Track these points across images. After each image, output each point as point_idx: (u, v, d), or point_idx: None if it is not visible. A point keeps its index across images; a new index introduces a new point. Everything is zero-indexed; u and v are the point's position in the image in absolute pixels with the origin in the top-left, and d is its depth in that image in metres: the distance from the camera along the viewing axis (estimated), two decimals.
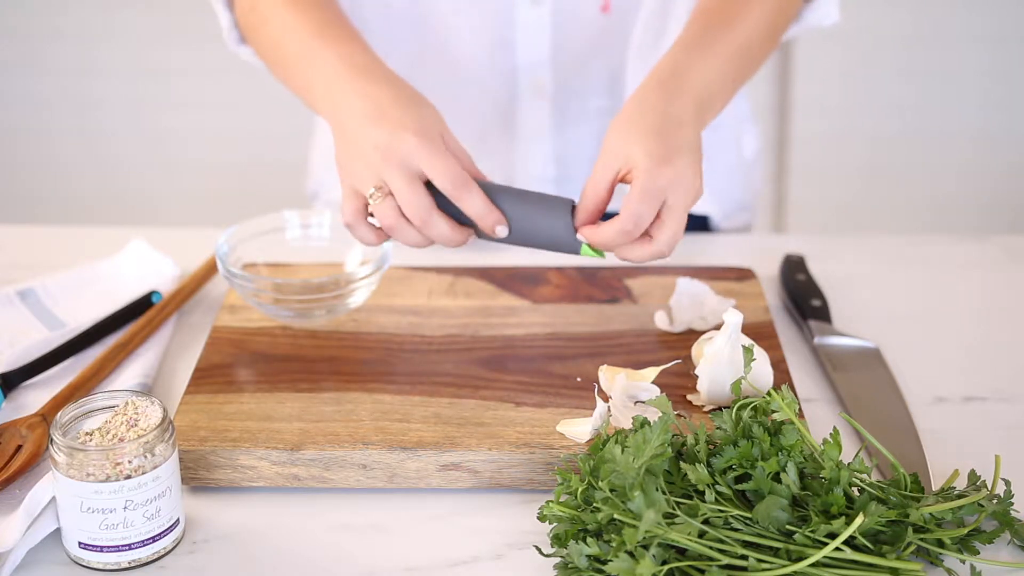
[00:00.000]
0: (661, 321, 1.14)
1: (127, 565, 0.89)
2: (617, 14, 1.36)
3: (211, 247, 1.29)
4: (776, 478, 0.88)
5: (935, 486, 0.95)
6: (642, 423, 0.90)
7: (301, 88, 1.16)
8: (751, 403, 0.93)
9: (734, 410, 0.92)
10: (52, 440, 0.87)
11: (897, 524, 0.87)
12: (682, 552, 0.84)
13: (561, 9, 1.35)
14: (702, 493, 0.88)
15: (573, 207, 1.05)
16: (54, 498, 0.90)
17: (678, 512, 0.85)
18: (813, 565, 0.82)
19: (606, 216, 1.07)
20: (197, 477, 0.97)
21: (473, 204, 1.04)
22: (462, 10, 1.35)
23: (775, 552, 0.84)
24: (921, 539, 0.86)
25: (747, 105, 1.52)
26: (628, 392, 1.01)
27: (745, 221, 1.55)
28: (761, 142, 1.56)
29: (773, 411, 0.92)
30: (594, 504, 0.87)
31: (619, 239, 1.02)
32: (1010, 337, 1.20)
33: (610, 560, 0.82)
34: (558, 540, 0.88)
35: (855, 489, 0.89)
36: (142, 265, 1.28)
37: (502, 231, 1.06)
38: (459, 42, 1.37)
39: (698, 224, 1.49)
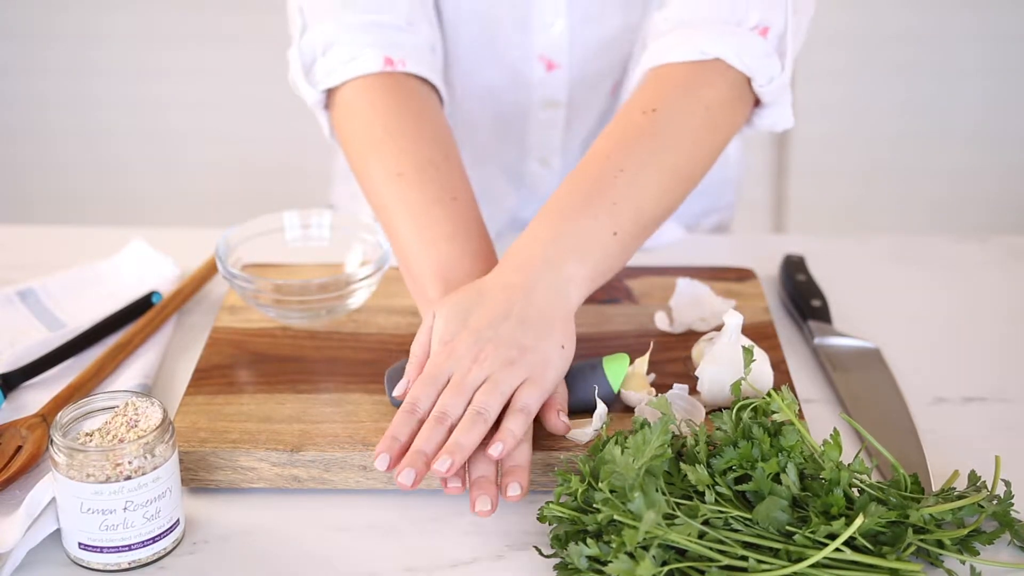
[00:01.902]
0: (661, 322, 1.14)
1: (127, 566, 0.89)
2: (620, 87, 1.35)
3: (211, 247, 1.29)
4: (776, 479, 0.88)
5: (935, 487, 0.95)
6: (642, 424, 0.90)
7: (409, 279, 1.08)
8: (751, 404, 0.93)
9: (734, 411, 0.92)
10: (52, 441, 0.87)
11: (897, 525, 0.87)
12: (682, 553, 0.84)
13: (575, 108, 1.34)
14: (702, 494, 0.88)
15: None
16: (54, 499, 0.90)
17: (678, 513, 0.85)
18: (813, 566, 0.82)
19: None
20: (197, 478, 0.97)
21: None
22: (478, 104, 1.34)
23: (775, 553, 0.84)
24: (921, 540, 0.86)
25: None
26: (630, 401, 1.00)
27: (718, 221, 1.53)
28: (741, 141, 1.53)
29: (773, 412, 0.92)
30: (594, 505, 0.87)
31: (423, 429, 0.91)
32: (1010, 337, 1.20)
33: (610, 561, 0.82)
34: (558, 541, 0.88)
35: (855, 490, 0.89)
36: (142, 265, 1.28)
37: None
38: (473, 124, 1.36)
39: None
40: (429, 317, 0.99)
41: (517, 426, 0.91)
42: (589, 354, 1.09)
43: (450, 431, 0.90)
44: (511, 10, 1.27)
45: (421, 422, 0.91)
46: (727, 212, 1.54)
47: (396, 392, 0.96)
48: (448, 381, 0.93)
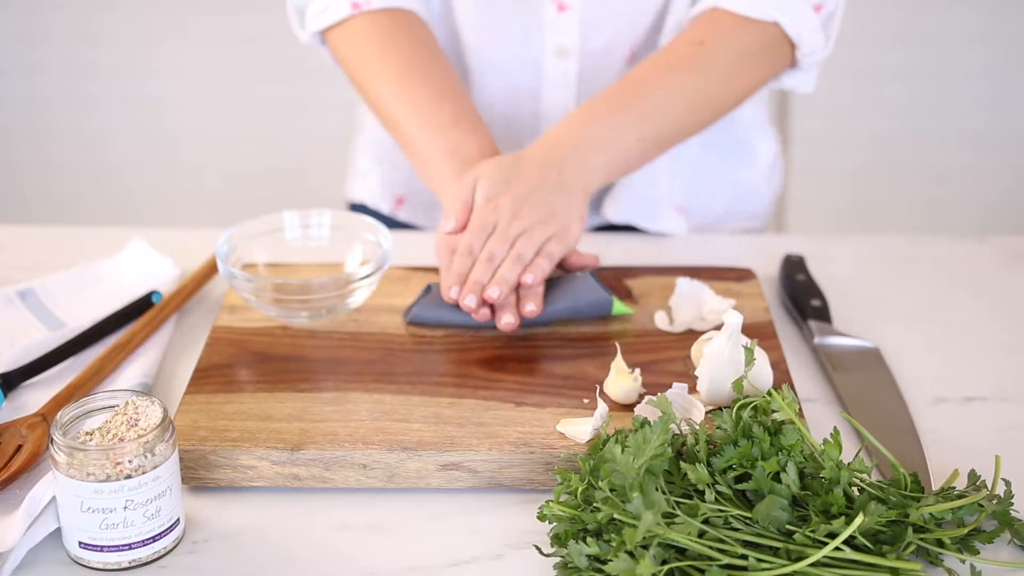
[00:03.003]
0: (661, 321, 1.14)
1: (127, 565, 0.89)
2: (640, 59, 1.36)
3: (211, 247, 1.29)
4: (776, 478, 0.88)
5: (935, 486, 0.95)
6: (642, 423, 0.90)
7: (420, 164, 1.24)
8: (751, 403, 0.93)
9: (734, 410, 0.92)
10: (52, 440, 0.87)
11: (897, 524, 0.87)
12: (682, 552, 0.84)
13: (588, 63, 1.35)
14: (702, 493, 0.88)
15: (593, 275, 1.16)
16: (54, 498, 0.90)
17: (678, 512, 0.85)
18: (813, 565, 0.82)
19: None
20: (197, 477, 0.97)
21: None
22: (490, 57, 1.36)
23: (775, 552, 0.84)
24: (921, 539, 0.86)
25: (762, 110, 1.48)
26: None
27: (747, 228, 1.53)
28: (778, 146, 1.52)
29: (773, 411, 0.92)
30: (594, 504, 0.87)
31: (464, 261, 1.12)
32: (1010, 337, 1.20)
33: (610, 560, 0.82)
34: (558, 540, 0.88)
35: (855, 489, 0.89)
36: (142, 265, 1.28)
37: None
38: (484, 86, 1.38)
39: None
40: (473, 174, 1.16)
41: (545, 263, 1.12)
42: (590, 354, 1.09)
43: (496, 267, 1.11)
44: None
45: (476, 261, 1.12)
46: (759, 221, 1.52)
47: (447, 228, 1.15)
48: (493, 229, 1.12)
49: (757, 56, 1.24)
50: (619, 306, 1.14)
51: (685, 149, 1.39)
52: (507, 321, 1.11)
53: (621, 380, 1.02)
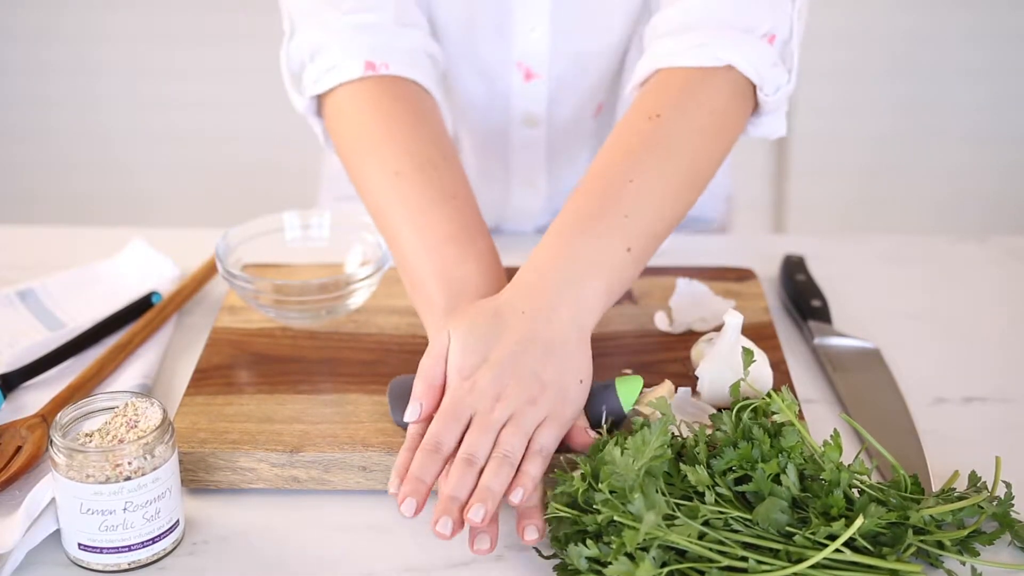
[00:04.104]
0: (661, 322, 1.14)
1: (127, 566, 0.89)
2: (607, 110, 1.34)
3: (211, 247, 1.29)
4: (776, 480, 0.88)
5: (935, 487, 0.95)
6: (641, 424, 0.90)
7: (409, 283, 1.05)
8: (751, 404, 0.93)
9: (734, 411, 0.92)
10: (52, 441, 0.87)
11: (897, 526, 0.87)
12: (682, 554, 0.84)
13: (557, 128, 1.33)
14: (702, 495, 0.88)
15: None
16: (54, 499, 0.90)
17: (678, 514, 0.85)
18: (813, 567, 0.82)
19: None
20: (197, 479, 0.97)
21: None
22: (459, 128, 1.33)
23: (775, 554, 0.84)
24: (921, 541, 0.86)
25: None
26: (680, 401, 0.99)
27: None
28: (729, 176, 1.51)
29: (773, 412, 0.92)
30: (594, 506, 0.87)
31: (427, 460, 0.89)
32: (1010, 337, 1.20)
33: (610, 562, 0.82)
34: (558, 542, 0.88)
35: (855, 491, 0.89)
36: (142, 265, 1.28)
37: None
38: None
39: None
40: (443, 337, 0.95)
41: (536, 469, 0.90)
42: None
43: (478, 472, 0.89)
44: (493, 15, 1.25)
45: (445, 460, 0.90)
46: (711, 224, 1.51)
47: (409, 418, 0.93)
48: (469, 418, 0.91)
49: (724, 114, 1.08)
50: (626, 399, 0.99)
51: None
52: (480, 546, 0.87)
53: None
